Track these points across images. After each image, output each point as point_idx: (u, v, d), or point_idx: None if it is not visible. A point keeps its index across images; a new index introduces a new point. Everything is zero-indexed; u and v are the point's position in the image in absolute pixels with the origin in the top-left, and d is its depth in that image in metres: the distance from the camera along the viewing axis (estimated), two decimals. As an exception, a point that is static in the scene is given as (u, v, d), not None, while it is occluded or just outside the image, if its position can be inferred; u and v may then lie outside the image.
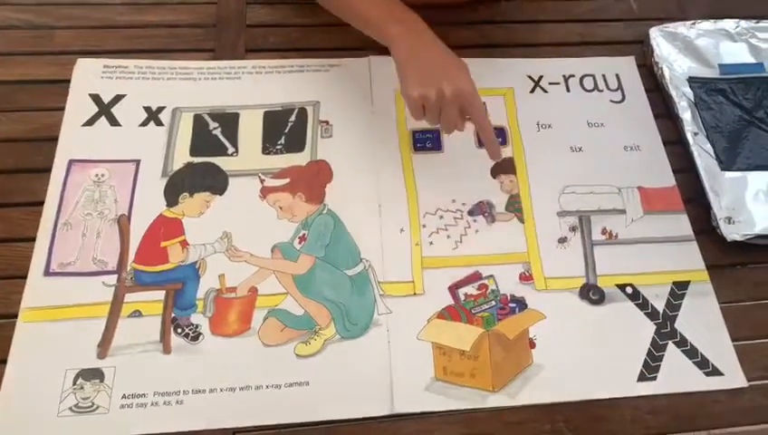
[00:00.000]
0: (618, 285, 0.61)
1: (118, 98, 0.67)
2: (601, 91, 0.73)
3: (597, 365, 0.56)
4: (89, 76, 0.69)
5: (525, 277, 0.61)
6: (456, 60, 0.58)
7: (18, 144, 0.64)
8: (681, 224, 0.65)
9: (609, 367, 0.56)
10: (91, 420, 0.50)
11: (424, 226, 0.63)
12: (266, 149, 0.66)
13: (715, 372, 0.57)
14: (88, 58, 0.70)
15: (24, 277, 0.56)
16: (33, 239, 0.58)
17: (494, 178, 0.66)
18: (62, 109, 0.66)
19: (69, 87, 0.68)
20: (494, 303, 0.59)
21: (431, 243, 0.62)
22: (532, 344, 0.57)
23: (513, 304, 0.59)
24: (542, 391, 0.55)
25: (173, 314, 0.56)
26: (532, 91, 0.72)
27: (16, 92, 0.67)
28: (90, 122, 0.66)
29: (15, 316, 0.54)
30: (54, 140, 0.64)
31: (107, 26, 0.73)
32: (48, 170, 0.62)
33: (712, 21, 0.76)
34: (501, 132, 0.69)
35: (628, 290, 0.61)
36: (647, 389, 0.56)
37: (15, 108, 0.66)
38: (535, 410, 0.54)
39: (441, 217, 0.63)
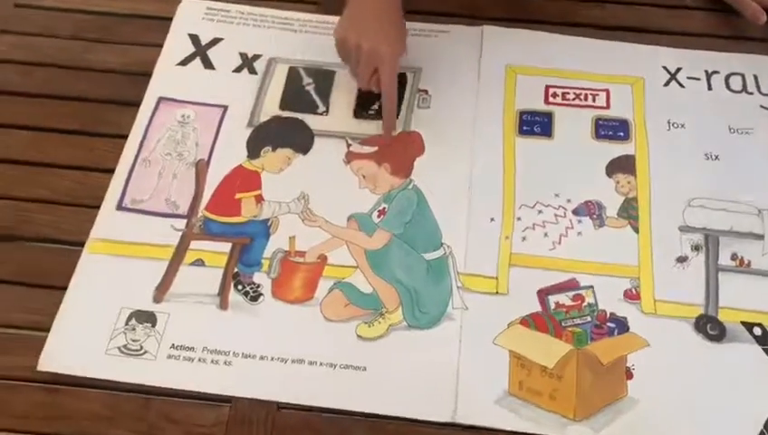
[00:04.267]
0: (743, 323, 0.52)
1: (215, 41, 0.66)
2: (751, 93, 0.63)
3: (706, 413, 0.48)
4: (191, 16, 0.68)
5: (631, 295, 0.52)
6: (395, 22, 0.58)
7: (113, 75, 0.64)
8: (835, 263, 0.53)
9: (722, 419, 0.48)
10: (136, 364, 0.48)
11: (519, 218, 0.56)
12: (358, 113, 0.62)
13: None
14: (193, -2, 0.69)
15: (98, 208, 0.56)
16: (112, 171, 0.58)
17: (610, 176, 0.58)
18: (160, 46, 0.65)
19: (170, 25, 0.67)
20: (589, 318, 0.51)
21: (524, 238, 0.55)
22: (629, 375, 0.49)
23: (612, 324, 0.51)
24: (634, 430, 0.47)
25: (236, 269, 0.53)
26: (667, 84, 0.63)
27: (120, 24, 0.67)
28: (184, 62, 0.65)
29: (82, 245, 0.54)
30: (148, 75, 0.64)
31: (215, -31, 0.72)
32: (137, 105, 0.62)
33: None
34: (623, 125, 0.60)
35: (757, 331, 0.51)
36: (767, 454, 0.46)
37: (117, 40, 0.67)
38: (622, 452, 0.46)
39: (540, 211, 0.56)
